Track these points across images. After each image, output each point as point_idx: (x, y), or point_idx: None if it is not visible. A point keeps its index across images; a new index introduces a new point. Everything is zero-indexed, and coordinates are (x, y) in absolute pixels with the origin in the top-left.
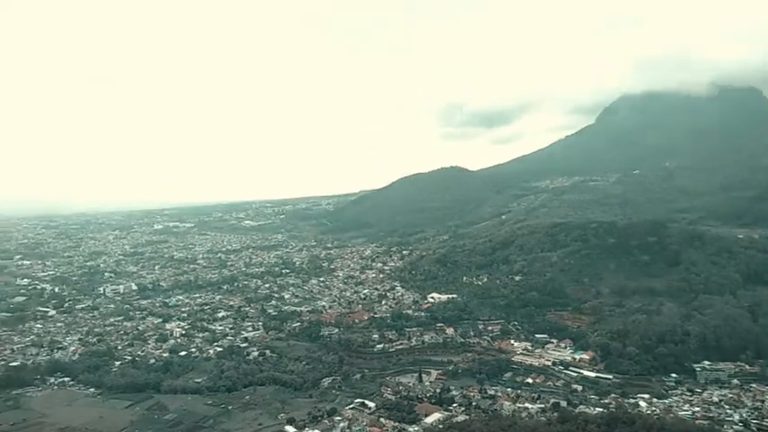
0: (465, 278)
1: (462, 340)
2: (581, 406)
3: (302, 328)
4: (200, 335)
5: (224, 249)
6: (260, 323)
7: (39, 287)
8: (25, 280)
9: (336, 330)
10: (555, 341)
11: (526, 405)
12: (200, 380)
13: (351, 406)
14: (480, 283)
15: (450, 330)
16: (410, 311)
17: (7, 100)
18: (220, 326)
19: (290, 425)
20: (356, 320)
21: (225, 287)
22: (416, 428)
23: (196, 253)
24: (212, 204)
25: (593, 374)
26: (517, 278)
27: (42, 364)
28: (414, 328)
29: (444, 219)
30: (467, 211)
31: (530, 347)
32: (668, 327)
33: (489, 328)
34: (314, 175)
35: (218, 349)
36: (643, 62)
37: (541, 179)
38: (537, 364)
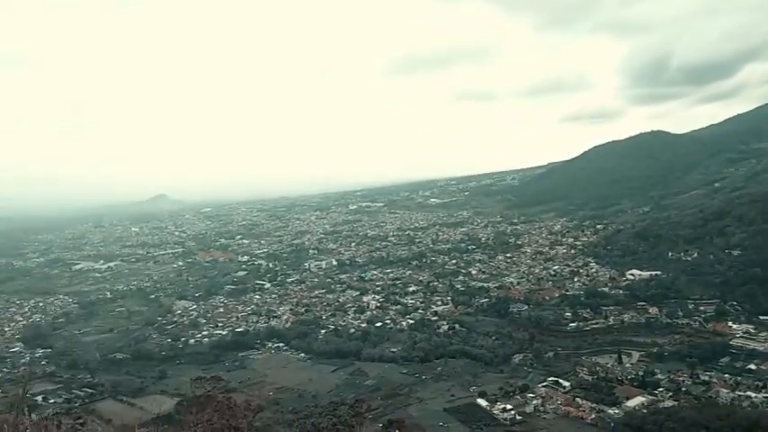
0: (670, 253)
1: (668, 321)
2: None
3: (490, 303)
4: (394, 308)
5: (412, 227)
6: (448, 298)
7: (256, 263)
8: (245, 257)
9: (526, 307)
10: None
11: (748, 393)
12: (395, 350)
13: (544, 384)
14: (689, 258)
15: (653, 310)
16: (606, 289)
17: (222, 100)
18: (411, 300)
19: (482, 398)
20: (546, 297)
21: (414, 263)
22: (617, 411)
23: (387, 231)
24: (400, 184)
25: None
26: (735, 253)
27: (261, 331)
28: (611, 307)
29: (644, 189)
30: (671, 180)
31: (752, 330)
32: None
33: (701, 308)
34: (498, 151)
35: (411, 322)
36: None
37: (766, 140)
38: (762, 348)
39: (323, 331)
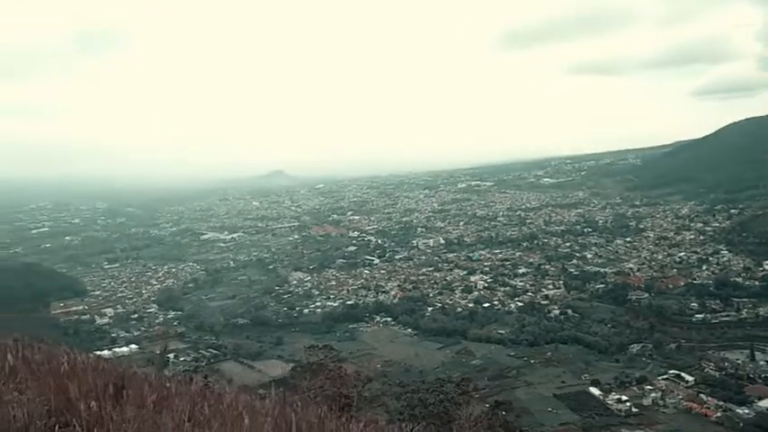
0: None
1: None
2: None
3: (606, 289)
4: (502, 289)
5: (523, 207)
6: (560, 282)
7: (366, 239)
8: (355, 232)
9: (646, 295)
10: None
11: None
12: (502, 331)
13: (664, 377)
14: None
15: None
16: (739, 279)
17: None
18: (521, 282)
19: (595, 386)
20: (670, 286)
21: (524, 244)
22: (747, 411)
23: (496, 210)
24: (510, 162)
25: None
26: None
27: (370, 305)
28: (744, 299)
29: None
30: None
31: None
32: None
33: None
34: (619, 128)
35: (519, 304)
36: None
37: None
38: None
39: (430, 309)
